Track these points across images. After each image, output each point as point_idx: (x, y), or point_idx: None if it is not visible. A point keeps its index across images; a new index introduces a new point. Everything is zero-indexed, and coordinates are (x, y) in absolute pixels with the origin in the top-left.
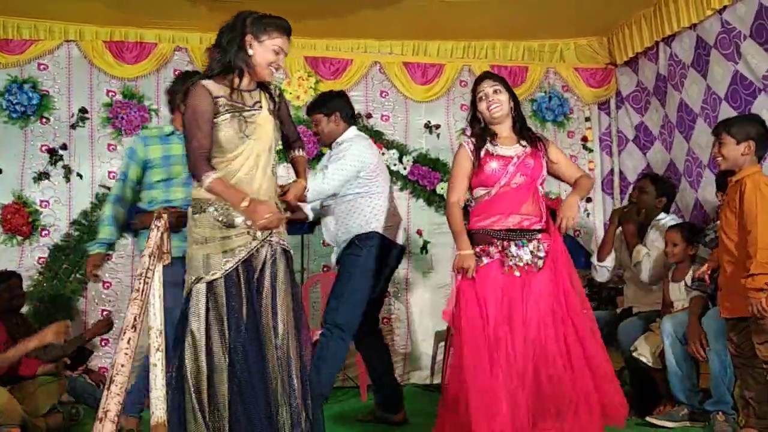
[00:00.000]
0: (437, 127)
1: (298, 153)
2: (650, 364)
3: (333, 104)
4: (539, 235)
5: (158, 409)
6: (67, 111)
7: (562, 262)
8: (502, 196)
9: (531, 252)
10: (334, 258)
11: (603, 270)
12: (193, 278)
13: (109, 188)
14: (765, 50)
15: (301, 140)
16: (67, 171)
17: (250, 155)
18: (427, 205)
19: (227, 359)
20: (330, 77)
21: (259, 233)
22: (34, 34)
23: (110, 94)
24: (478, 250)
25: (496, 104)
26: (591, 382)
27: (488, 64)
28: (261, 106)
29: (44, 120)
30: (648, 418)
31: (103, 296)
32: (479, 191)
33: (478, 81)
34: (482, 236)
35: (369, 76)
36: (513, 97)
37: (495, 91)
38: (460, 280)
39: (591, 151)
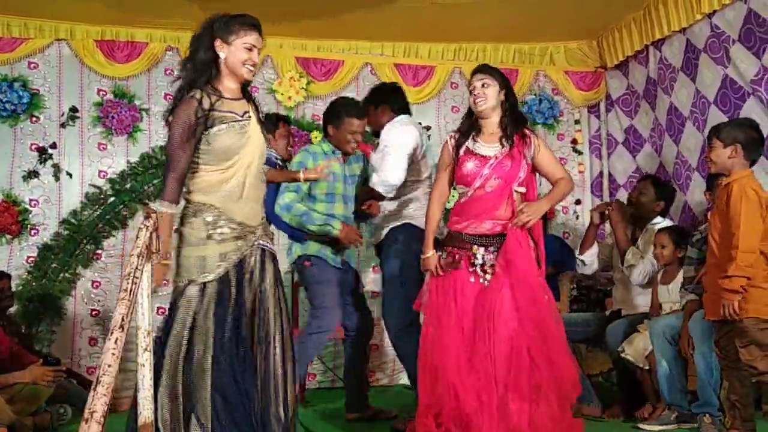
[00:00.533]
0: (428, 128)
1: None
2: (638, 365)
3: (383, 96)
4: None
5: (146, 409)
6: (57, 110)
7: (514, 258)
8: (476, 200)
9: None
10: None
11: (588, 263)
12: (185, 280)
13: (99, 187)
14: (754, 54)
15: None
16: (57, 170)
17: (242, 165)
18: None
19: (210, 362)
20: (321, 78)
21: (251, 237)
22: (24, 33)
23: (101, 93)
24: (447, 252)
25: (481, 98)
26: (552, 370)
27: None
28: (250, 116)
29: (34, 119)
30: (639, 425)
31: (92, 295)
32: (460, 189)
33: (472, 74)
34: (455, 239)
35: (360, 77)
36: (507, 91)
37: (483, 85)
38: (429, 278)
39: (581, 153)
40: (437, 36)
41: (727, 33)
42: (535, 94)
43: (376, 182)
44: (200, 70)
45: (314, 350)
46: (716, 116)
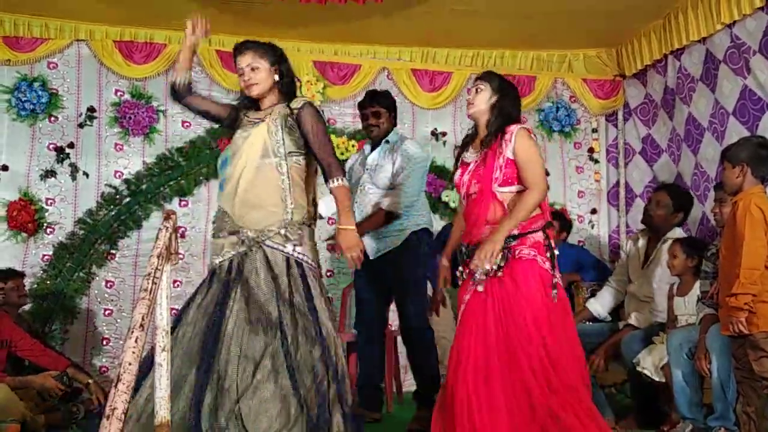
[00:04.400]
0: (443, 134)
1: (333, 184)
2: (654, 378)
3: (391, 102)
4: (513, 242)
5: (162, 408)
6: (75, 110)
7: (516, 273)
8: (469, 208)
9: (495, 262)
10: (374, 246)
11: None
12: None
13: (115, 188)
14: None
15: (336, 164)
16: (74, 169)
17: (236, 168)
18: (432, 212)
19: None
20: (338, 82)
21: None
22: (44, 33)
23: (118, 93)
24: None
25: (470, 103)
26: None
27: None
28: (263, 121)
29: (53, 118)
30: None
31: (106, 295)
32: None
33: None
34: (460, 252)
35: (377, 82)
36: (500, 95)
37: (476, 90)
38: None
39: (597, 162)
40: (455, 42)
41: (747, 43)
42: (552, 102)
43: (401, 204)
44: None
45: None
46: (735, 127)
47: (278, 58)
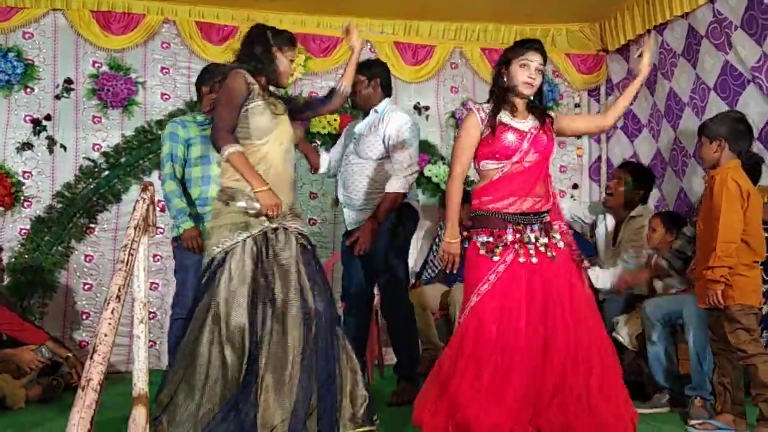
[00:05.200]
0: (426, 108)
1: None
2: (628, 346)
3: (375, 70)
4: (548, 217)
5: (140, 380)
6: (51, 81)
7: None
8: (515, 176)
9: (548, 235)
10: (353, 217)
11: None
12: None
13: (93, 161)
14: (755, 41)
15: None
16: (51, 142)
17: (277, 142)
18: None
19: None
20: (320, 54)
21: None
22: (19, 2)
23: (96, 65)
24: (491, 236)
25: (532, 83)
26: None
27: (479, 46)
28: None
29: (28, 90)
30: None
31: (85, 269)
32: (488, 165)
33: (527, 47)
34: (495, 220)
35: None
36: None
37: (538, 70)
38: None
39: (579, 137)
40: (438, 15)
41: (729, 19)
42: None
43: (405, 185)
44: (255, 63)
45: (175, 337)
46: (715, 103)
47: None
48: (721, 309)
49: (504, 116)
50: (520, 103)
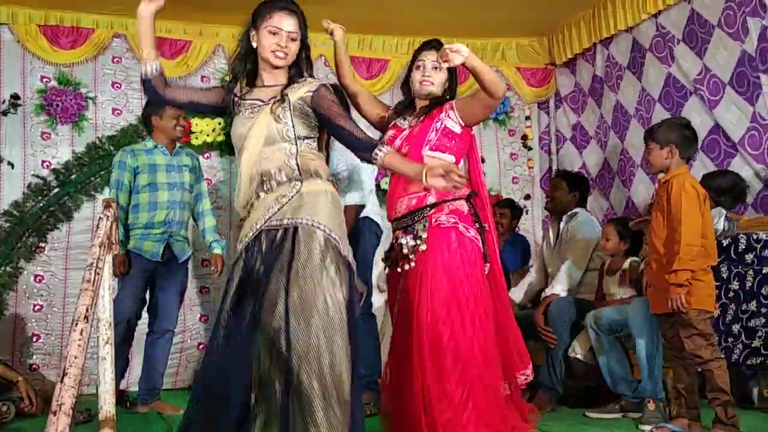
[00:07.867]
0: None
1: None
2: (587, 361)
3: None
4: (431, 211)
5: (107, 403)
6: None
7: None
8: (394, 180)
9: (415, 234)
10: None
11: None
12: None
13: (42, 178)
14: (696, 54)
15: (366, 138)
16: None
17: (244, 152)
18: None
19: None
20: None
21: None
22: None
23: (44, 80)
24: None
25: (428, 81)
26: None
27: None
28: (270, 101)
29: None
30: (587, 413)
31: (35, 290)
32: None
33: (423, 46)
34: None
35: (314, 68)
36: (452, 81)
37: (434, 68)
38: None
39: (530, 149)
40: (391, 29)
41: (671, 33)
42: None
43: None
44: (237, 63)
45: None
46: (660, 114)
47: (306, 31)
48: (674, 315)
49: (400, 118)
50: (421, 104)
